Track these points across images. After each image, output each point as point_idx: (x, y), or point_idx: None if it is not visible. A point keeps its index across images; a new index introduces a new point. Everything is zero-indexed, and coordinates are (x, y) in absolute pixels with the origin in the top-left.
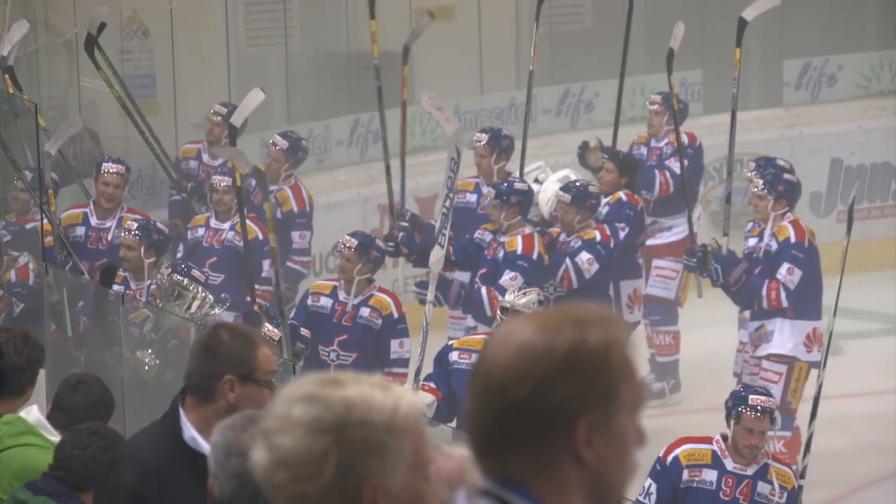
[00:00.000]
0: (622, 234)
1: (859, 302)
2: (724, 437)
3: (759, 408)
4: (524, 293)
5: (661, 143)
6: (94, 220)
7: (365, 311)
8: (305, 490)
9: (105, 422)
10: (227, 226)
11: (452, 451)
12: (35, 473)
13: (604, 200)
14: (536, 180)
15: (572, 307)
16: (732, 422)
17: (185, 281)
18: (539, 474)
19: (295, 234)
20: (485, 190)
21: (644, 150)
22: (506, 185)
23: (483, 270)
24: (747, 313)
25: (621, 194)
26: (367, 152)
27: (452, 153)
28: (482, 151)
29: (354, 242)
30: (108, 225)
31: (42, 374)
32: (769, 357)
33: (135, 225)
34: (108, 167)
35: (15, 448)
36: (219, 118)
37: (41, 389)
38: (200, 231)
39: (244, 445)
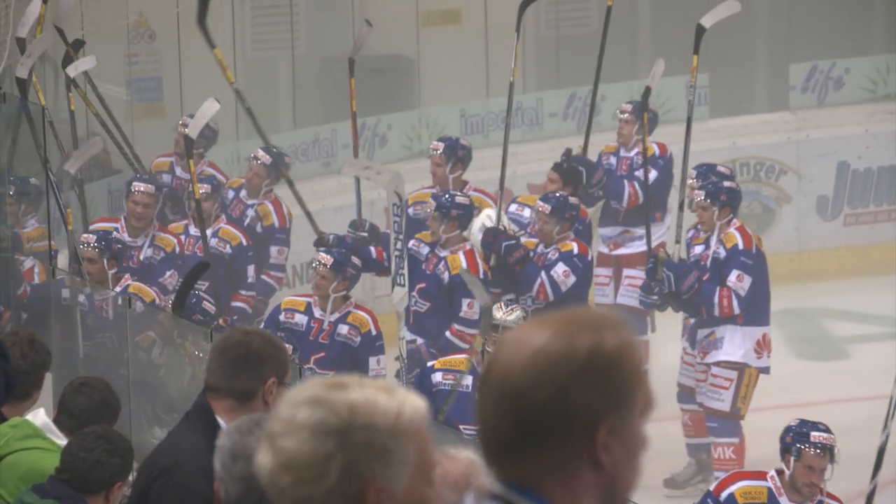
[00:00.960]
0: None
1: (866, 306)
2: (779, 472)
3: (820, 445)
4: (511, 310)
5: (631, 153)
6: (125, 238)
7: (343, 329)
8: (310, 493)
9: (110, 424)
10: (209, 233)
11: (459, 454)
12: (42, 477)
13: (553, 247)
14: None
15: (580, 311)
16: (792, 458)
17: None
18: (554, 478)
19: (273, 249)
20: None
21: (613, 160)
22: (447, 197)
23: (422, 285)
24: (692, 320)
25: (574, 245)
26: (373, 155)
27: (394, 199)
28: (438, 160)
29: (330, 260)
30: (139, 243)
31: (49, 377)
32: (719, 364)
33: (93, 238)
34: (138, 186)
35: (22, 451)
36: (185, 129)
37: (48, 393)
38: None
39: (250, 448)
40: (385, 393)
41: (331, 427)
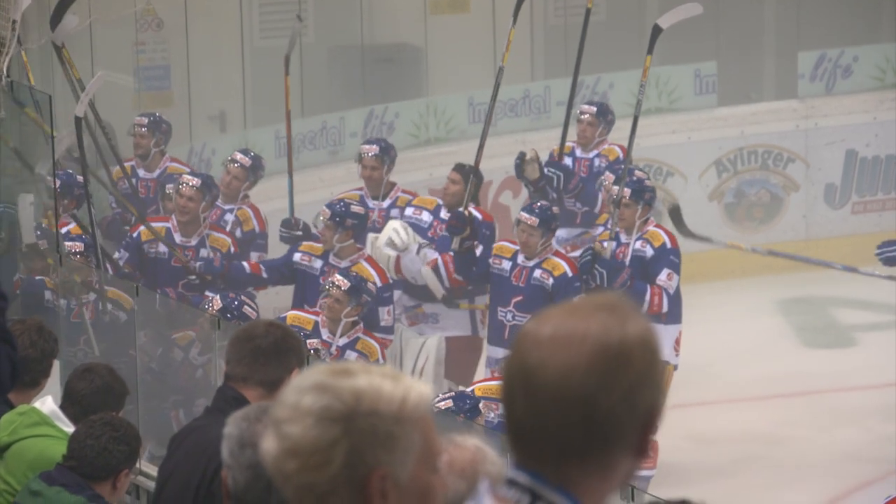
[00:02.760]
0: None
1: (874, 294)
2: None
3: None
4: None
5: (590, 155)
6: (177, 237)
7: (352, 356)
8: (314, 479)
9: (116, 410)
10: (195, 241)
11: (466, 442)
12: (50, 464)
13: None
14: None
15: (604, 300)
16: None
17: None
18: (593, 479)
19: (254, 255)
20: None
21: (569, 161)
22: (341, 206)
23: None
24: None
25: (566, 268)
26: None
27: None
28: (375, 163)
29: (346, 284)
30: (193, 243)
31: (56, 364)
32: None
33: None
34: (187, 180)
35: (30, 439)
36: (143, 129)
37: (55, 380)
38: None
39: (259, 436)
40: (390, 380)
41: (336, 413)
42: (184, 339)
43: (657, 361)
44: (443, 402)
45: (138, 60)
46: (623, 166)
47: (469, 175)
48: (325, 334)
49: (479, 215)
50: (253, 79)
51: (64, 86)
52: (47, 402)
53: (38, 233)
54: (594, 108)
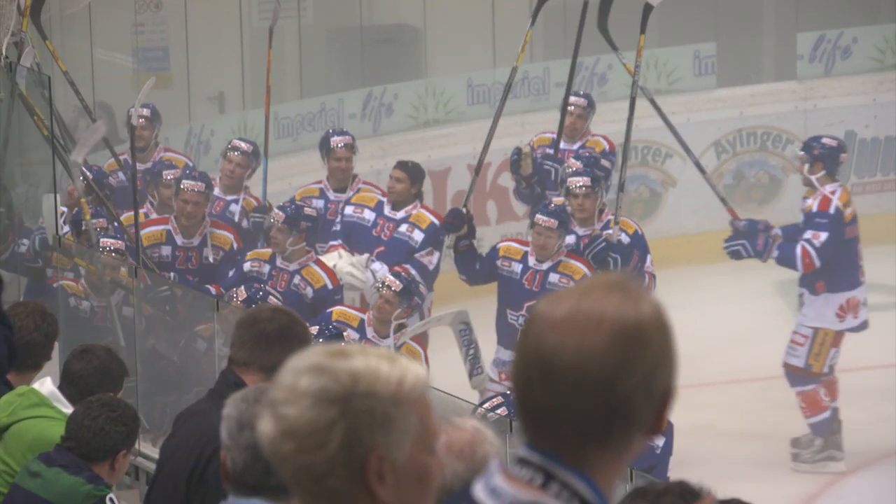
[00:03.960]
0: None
1: (873, 275)
2: None
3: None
4: None
5: (575, 146)
6: (179, 240)
7: None
8: (311, 461)
9: (114, 392)
10: (197, 241)
11: (464, 423)
12: (48, 445)
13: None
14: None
15: (615, 279)
16: None
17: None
18: (609, 460)
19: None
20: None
21: (550, 152)
22: (293, 208)
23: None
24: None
25: (585, 270)
26: (379, 126)
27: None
28: (346, 154)
29: (399, 285)
30: (195, 243)
31: (56, 346)
32: None
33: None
34: (188, 184)
35: (28, 420)
36: (143, 121)
37: (55, 361)
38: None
39: (257, 417)
40: (387, 361)
41: (333, 395)
42: (207, 331)
43: (672, 340)
44: (494, 405)
45: (137, 41)
46: (616, 155)
47: (415, 172)
48: (370, 333)
49: (430, 215)
50: (251, 60)
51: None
52: (46, 384)
53: (66, 228)
54: (584, 101)
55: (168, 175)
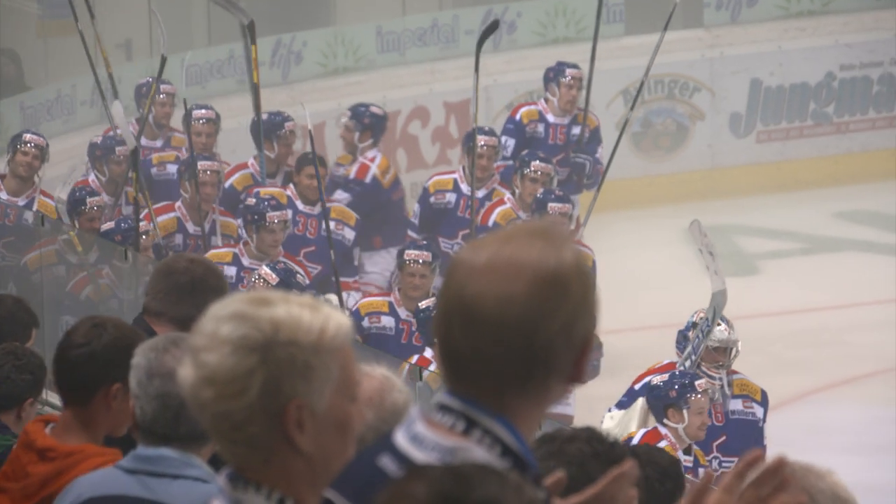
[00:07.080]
0: None
1: (778, 222)
2: None
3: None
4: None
5: (565, 120)
6: (190, 227)
7: None
8: (231, 407)
9: (23, 342)
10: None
11: (374, 371)
12: None
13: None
14: None
15: (537, 226)
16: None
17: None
18: (528, 405)
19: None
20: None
21: (541, 128)
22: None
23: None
24: None
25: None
26: (288, 73)
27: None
28: (350, 126)
29: (429, 255)
30: (206, 230)
31: None
32: None
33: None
34: (199, 113)
35: None
36: (164, 97)
37: None
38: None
39: (166, 367)
40: (309, 310)
41: (254, 342)
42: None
43: (592, 288)
44: None
45: None
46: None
47: (375, 121)
48: (403, 313)
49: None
50: (158, 5)
51: None
52: None
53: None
54: (580, 72)
55: (120, 151)
